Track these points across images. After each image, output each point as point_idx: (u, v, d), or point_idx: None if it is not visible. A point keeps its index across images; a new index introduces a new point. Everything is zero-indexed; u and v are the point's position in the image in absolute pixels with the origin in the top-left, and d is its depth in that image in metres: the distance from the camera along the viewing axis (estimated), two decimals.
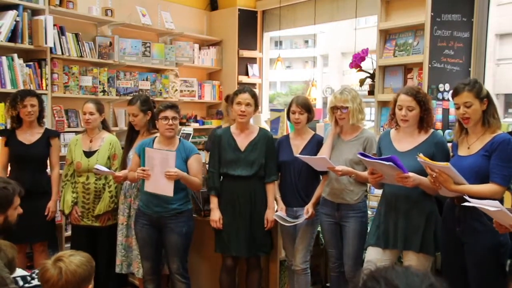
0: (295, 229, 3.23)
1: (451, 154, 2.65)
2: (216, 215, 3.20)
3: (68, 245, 3.91)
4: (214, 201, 3.23)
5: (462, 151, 2.52)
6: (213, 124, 5.69)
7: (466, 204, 2.21)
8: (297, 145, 3.24)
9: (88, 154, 3.52)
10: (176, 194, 3.06)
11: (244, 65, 5.90)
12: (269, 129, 4.84)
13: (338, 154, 3.06)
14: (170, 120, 3.09)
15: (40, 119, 3.56)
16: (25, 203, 3.28)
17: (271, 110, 5.38)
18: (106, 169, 3.33)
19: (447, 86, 3.95)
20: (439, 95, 3.95)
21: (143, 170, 3.03)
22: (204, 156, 4.42)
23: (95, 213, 3.47)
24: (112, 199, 3.49)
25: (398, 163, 2.40)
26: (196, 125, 5.66)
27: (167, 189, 3.01)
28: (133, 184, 3.42)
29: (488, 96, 2.44)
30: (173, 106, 3.15)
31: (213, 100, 5.89)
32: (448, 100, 3.94)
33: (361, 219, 3.02)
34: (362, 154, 2.60)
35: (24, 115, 3.44)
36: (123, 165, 3.51)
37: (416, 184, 2.48)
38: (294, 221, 3.13)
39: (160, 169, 2.99)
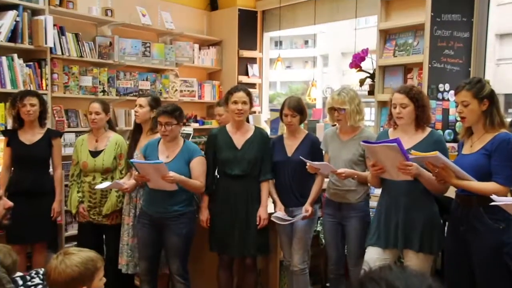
0: (292, 230, 3.21)
1: (455, 153, 2.65)
2: (204, 215, 3.23)
3: (69, 245, 3.92)
4: (204, 200, 3.25)
5: (465, 150, 2.54)
6: (213, 124, 5.67)
7: (493, 203, 2.12)
8: (291, 145, 3.24)
9: (94, 154, 3.52)
10: (177, 196, 3.07)
11: (244, 65, 5.89)
12: (269, 129, 4.87)
13: (337, 154, 3.06)
14: (163, 126, 3.07)
15: (41, 119, 3.54)
16: (26, 203, 3.29)
17: (271, 110, 5.39)
18: (108, 183, 3.30)
19: (447, 86, 3.95)
20: (439, 95, 3.95)
21: (142, 177, 3.04)
22: None
23: (103, 212, 3.48)
24: (120, 199, 3.50)
25: (401, 146, 2.39)
26: (196, 125, 5.65)
27: (168, 186, 3.02)
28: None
29: (489, 96, 2.41)
30: (168, 111, 3.08)
31: (213, 100, 5.86)
32: (448, 100, 3.94)
33: (363, 218, 3.02)
34: (365, 142, 2.58)
35: (24, 115, 3.43)
36: (129, 166, 3.50)
37: (417, 173, 2.46)
38: (290, 219, 3.10)
39: (157, 176, 2.98)
